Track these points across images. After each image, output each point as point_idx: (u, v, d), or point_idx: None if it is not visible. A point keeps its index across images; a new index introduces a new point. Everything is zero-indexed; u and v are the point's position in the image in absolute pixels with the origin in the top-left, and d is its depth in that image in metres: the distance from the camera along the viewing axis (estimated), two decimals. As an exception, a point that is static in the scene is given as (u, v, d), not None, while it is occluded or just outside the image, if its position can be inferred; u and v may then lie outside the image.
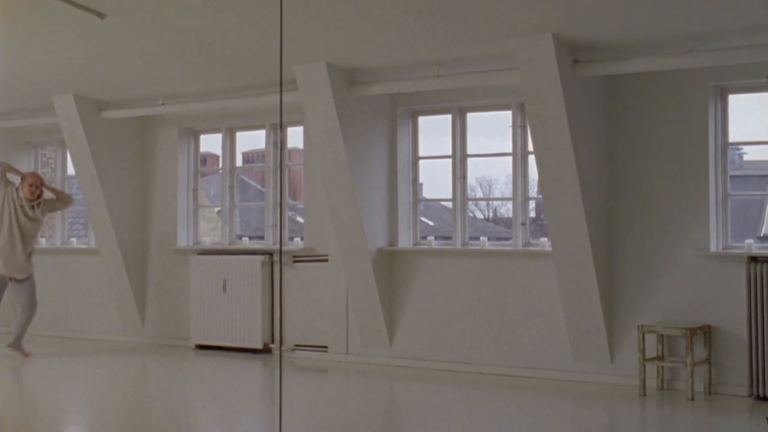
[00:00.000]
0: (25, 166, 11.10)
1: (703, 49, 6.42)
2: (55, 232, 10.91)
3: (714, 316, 6.81)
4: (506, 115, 7.92)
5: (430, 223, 9.35)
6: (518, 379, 7.46)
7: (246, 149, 10.05)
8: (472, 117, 8.15)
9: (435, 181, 8.50)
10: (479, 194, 8.74)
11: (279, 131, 9.03)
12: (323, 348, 8.65)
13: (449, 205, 8.33)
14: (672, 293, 7.00)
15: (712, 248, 6.86)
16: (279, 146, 8.84)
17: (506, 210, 8.92)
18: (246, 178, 10.61)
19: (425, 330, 8.10)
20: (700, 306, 6.88)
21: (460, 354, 7.89)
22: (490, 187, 8.83)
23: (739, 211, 7.16)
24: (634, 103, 7.15)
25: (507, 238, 8.22)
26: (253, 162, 10.32)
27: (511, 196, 7.98)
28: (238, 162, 9.78)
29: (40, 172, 11.19)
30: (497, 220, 9.28)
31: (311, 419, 6.30)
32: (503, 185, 8.52)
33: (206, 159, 10.39)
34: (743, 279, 6.66)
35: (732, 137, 6.98)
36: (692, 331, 6.58)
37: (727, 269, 6.78)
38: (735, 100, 6.99)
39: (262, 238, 9.42)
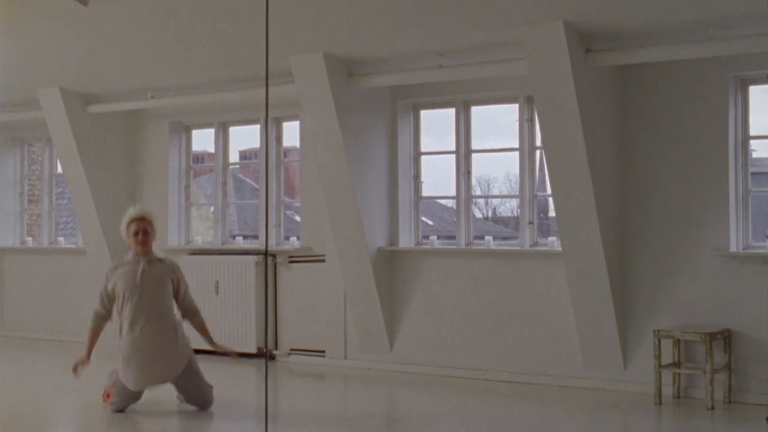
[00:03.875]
0: (12, 163, 10.83)
1: (723, 36, 6.23)
2: (43, 231, 10.64)
3: (734, 319, 6.62)
4: (511, 109, 7.75)
5: (430, 223, 9.35)
6: (526, 386, 7.31)
7: (243, 147, 9.91)
8: (474, 112, 7.99)
9: (435, 178, 8.39)
10: (478, 193, 8.59)
11: (267, 124, 8.79)
12: (320, 352, 8.49)
13: (448, 203, 8.17)
14: (689, 296, 6.81)
15: (732, 248, 6.68)
16: (266, 140, 8.55)
17: (505, 209, 8.86)
18: (242, 176, 10.49)
19: (427, 334, 7.93)
20: (720, 309, 6.69)
21: (464, 359, 7.74)
22: (488, 185, 8.81)
23: (757, 209, 6.98)
24: (650, 95, 6.97)
25: (507, 238, 8.10)
26: (250, 160, 10.17)
27: (511, 194, 7.78)
28: (235, 158, 9.58)
29: (27, 169, 10.90)
30: (497, 220, 9.30)
31: (307, 427, 6.15)
32: (502, 183, 8.51)
33: (203, 158, 10.19)
34: (766, 280, 6.46)
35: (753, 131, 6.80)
36: (711, 336, 6.40)
37: (749, 270, 6.60)
38: (754, 92, 6.80)
39: (256, 237, 9.20)
